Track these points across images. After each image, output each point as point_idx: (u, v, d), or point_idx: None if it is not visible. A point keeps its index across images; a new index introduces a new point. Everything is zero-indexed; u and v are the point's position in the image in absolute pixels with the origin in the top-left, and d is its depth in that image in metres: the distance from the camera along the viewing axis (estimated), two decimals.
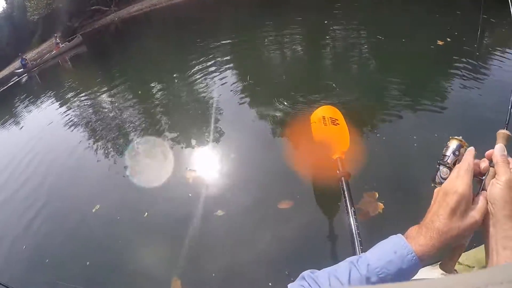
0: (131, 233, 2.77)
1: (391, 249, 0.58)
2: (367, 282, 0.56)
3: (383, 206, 2.30)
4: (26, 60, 16.66)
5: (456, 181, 0.56)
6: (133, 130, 4.49)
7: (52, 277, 2.64)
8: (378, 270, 0.56)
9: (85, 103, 6.89)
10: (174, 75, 6.25)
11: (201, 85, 5.18)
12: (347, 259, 0.62)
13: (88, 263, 2.62)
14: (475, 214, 0.55)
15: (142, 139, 4.12)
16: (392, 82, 3.88)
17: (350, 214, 1.74)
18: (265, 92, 4.27)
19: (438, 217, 0.56)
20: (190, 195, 2.90)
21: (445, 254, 0.60)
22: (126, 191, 3.31)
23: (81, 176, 3.94)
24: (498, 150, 0.56)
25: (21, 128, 7.72)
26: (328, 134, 2.60)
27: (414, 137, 2.82)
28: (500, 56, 3.91)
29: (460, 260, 1.45)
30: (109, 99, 6.44)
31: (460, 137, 0.61)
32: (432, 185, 0.62)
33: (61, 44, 16.54)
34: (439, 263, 1.40)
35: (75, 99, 7.51)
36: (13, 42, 22.43)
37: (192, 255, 2.37)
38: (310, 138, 2.72)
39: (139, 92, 6.06)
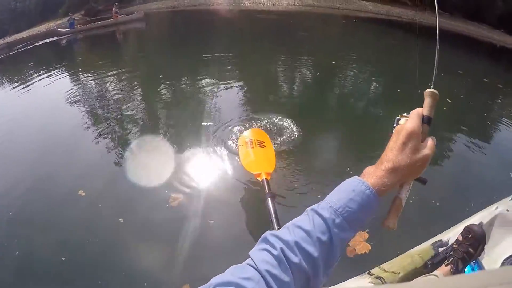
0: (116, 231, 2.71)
1: (349, 188, 0.59)
2: (333, 224, 0.57)
3: (370, 248, 2.29)
4: (76, 20, 15.58)
5: (407, 122, 0.62)
6: (135, 125, 4.47)
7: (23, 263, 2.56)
8: (340, 210, 0.57)
9: (105, 83, 6.79)
10: (190, 82, 6.18)
11: (204, 96, 5.23)
12: (307, 209, 0.62)
13: (63, 258, 2.49)
14: (426, 150, 0.60)
15: (140, 137, 4.11)
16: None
17: None
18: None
19: (392, 151, 0.61)
20: (170, 205, 2.86)
21: (389, 211, 0.63)
22: (113, 183, 3.29)
23: (72, 156, 3.90)
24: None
25: (30, 90, 7.39)
26: (255, 156, 2.67)
27: None
28: None
29: (385, 267, 1.59)
30: (132, 86, 6.37)
31: (404, 114, 0.69)
32: None
33: (119, 14, 15.53)
34: (366, 272, 1.53)
35: (98, 75, 7.36)
36: (39, 8, 22.63)
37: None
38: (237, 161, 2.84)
39: (157, 87, 6.02)
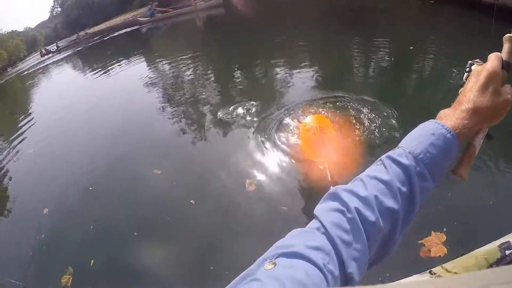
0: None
1: (427, 132, 0.53)
2: (414, 171, 0.50)
3: (446, 252, 2.06)
4: (156, 10, 16.65)
5: (487, 64, 0.56)
6: (209, 109, 4.47)
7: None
8: (421, 155, 0.51)
9: (182, 68, 7.07)
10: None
11: (275, 80, 5.15)
12: (380, 157, 0.55)
13: (135, 233, 2.61)
14: (506, 94, 0.55)
15: (212, 121, 4.09)
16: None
17: None
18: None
19: (472, 91, 0.55)
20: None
21: (461, 159, 0.58)
22: (186, 165, 3.34)
23: (149, 137, 4.13)
24: None
25: (113, 75, 8.11)
26: (317, 144, 2.55)
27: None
28: None
29: (448, 267, 1.48)
30: (207, 71, 6.59)
31: (476, 60, 0.62)
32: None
33: (199, 1, 16.09)
34: (428, 271, 1.45)
35: (175, 60, 7.71)
36: (115, 1, 24.48)
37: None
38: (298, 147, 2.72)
39: (231, 72, 6.05)
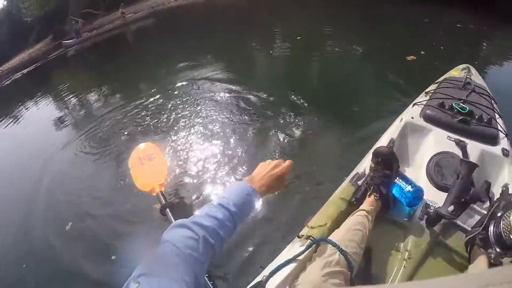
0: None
1: (245, 192, 0.93)
2: (233, 215, 0.84)
3: None
4: (79, 29, 14.84)
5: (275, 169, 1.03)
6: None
7: None
8: (239, 203, 0.88)
9: (102, 98, 6.55)
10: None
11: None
12: (214, 202, 0.87)
13: None
14: (277, 169, 1.02)
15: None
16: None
17: None
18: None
19: (259, 175, 1.01)
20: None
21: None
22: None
23: (62, 189, 3.70)
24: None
25: (19, 120, 7.37)
26: (146, 173, 2.56)
27: None
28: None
29: (312, 224, 1.47)
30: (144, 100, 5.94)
31: None
32: None
33: (127, 14, 15.31)
34: (296, 236, 1.44)
35: (97, 91, 7.09)
36: (10, 38, 22.33)
37: None
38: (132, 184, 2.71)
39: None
